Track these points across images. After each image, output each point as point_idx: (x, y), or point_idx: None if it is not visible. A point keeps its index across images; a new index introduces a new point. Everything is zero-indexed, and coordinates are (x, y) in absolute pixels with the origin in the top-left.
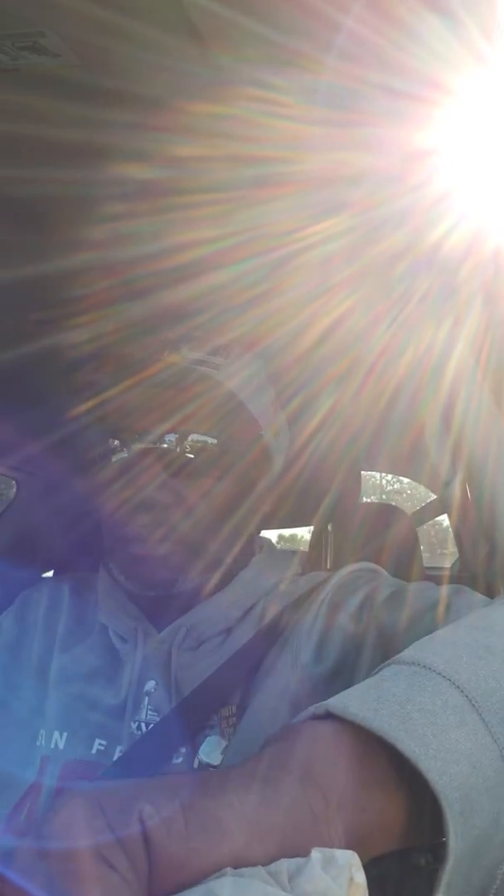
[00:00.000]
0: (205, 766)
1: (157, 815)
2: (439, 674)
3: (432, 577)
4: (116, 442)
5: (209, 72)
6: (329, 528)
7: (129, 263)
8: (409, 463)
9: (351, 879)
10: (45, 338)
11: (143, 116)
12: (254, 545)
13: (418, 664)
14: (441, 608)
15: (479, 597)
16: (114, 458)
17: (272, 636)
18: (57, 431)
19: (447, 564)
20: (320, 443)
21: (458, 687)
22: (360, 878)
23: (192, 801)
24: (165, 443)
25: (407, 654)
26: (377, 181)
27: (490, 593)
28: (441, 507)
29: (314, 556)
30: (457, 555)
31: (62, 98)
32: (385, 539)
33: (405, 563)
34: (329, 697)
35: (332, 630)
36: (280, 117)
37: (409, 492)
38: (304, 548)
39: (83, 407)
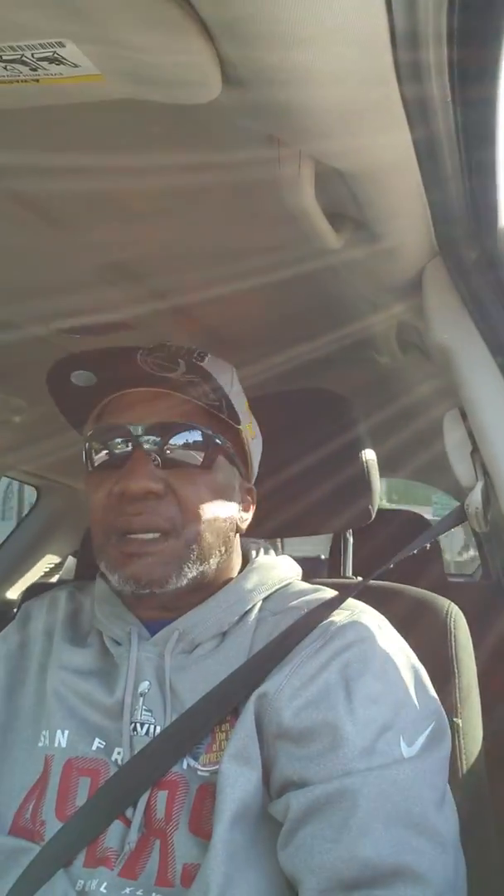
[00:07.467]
0: (204, 777)
1: None
2: None
3: (455, 584)
4: (107, 438)
5: None
6: (349, 535)
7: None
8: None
9: None
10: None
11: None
12: (250, 550)
13: None
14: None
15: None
16: (104, 454)
17: (275, 657)
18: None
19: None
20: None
21: None
22: None
23: None
24: (149, 436)
25: None
26: None
27: None
28: (462, 514)
29: (334, 562)
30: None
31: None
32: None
33: (426, 571)
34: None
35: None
36: None
37: None
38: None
39: (77, 405)
